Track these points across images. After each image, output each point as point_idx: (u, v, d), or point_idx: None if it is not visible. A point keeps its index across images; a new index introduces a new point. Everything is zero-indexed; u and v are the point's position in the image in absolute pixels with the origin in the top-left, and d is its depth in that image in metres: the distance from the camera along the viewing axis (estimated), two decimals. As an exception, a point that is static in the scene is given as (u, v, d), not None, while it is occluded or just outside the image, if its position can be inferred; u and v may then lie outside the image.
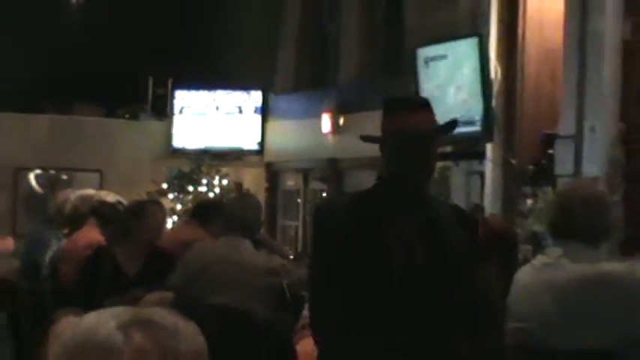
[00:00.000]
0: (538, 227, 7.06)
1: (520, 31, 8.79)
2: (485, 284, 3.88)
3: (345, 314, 3.71)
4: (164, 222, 7.34)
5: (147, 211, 6.70)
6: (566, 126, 7.82)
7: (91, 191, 7.94)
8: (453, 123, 3.97)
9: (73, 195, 7.71)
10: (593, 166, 7.46)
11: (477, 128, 8.58)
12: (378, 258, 3.64)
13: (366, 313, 3.68)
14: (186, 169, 13.25)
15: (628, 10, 7.48)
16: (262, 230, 7.59)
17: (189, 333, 1.68)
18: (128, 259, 6.50)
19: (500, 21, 8.90)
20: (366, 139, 3.82)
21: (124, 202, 7.29)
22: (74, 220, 7.38)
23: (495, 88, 8.84)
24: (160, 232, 6.83)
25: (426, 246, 3.61)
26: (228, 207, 6.79)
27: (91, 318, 1.67)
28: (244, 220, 6.29)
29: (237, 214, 6.32)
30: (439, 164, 7.53)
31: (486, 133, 8.77)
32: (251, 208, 6.49)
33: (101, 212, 7.12)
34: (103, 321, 1.65)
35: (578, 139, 7.67)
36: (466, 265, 3.68)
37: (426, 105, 3.71)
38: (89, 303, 5.09)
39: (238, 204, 6.66)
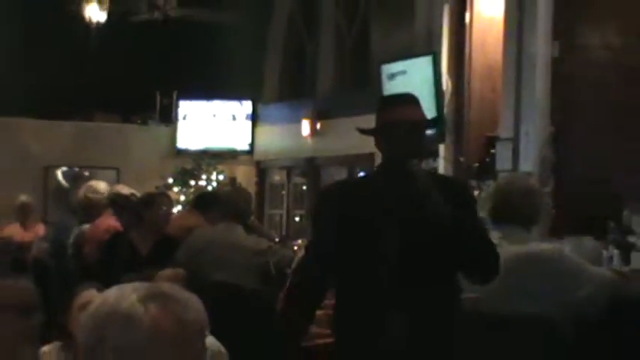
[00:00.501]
0: (482, 214, 7.07)
1: (467, 51, 8.82)
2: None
3: (343, 289, 3.57)
4: (171, 211, 7.32)
5: (156, 201, 6.67)
6: (505, 130, 7.84)
7: (93, 181, 7.88)
8: (436, 119, 4.00)
9: (84, 187, 7.67)
10: (528, 163, 7.50)
11: (431, 132, 8.59)
12: (374, 231, 3.46)
13: (362, 287, 3.50)
14: (189, 166, 13.19)
15: (556, 34, 7.53)
16: (253, 217, 7.56)
17: (196, 306, 1.67)
18: (141, 242, 6.47)
19: (451, 42, 8.93)
20: (362, 131, 3.70)
21: (137, 194, 7.27)
22: (85, 207, 7.35)
23: (446, 98, 8.85)
24: (167, 219, 6.79)
25: (421, 215, 3.39)
26: (224, 198, 6.77)
27: (114, 291, 1.66)
28: (238, 209, 6.29)
29: (232, 204, 6.32)
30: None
31: (439, 135, 8.78)
32: (243, 199, 6.49)
33: (118, 202, 7.10)
34: (125, 294, 1.64)
35: (515, 140, 7.69)
36: (463, 224, 3.46)
37: (415, 100, 3.66)
38: (108, 279, 5.03)
39: (233, 196, 6.65)
